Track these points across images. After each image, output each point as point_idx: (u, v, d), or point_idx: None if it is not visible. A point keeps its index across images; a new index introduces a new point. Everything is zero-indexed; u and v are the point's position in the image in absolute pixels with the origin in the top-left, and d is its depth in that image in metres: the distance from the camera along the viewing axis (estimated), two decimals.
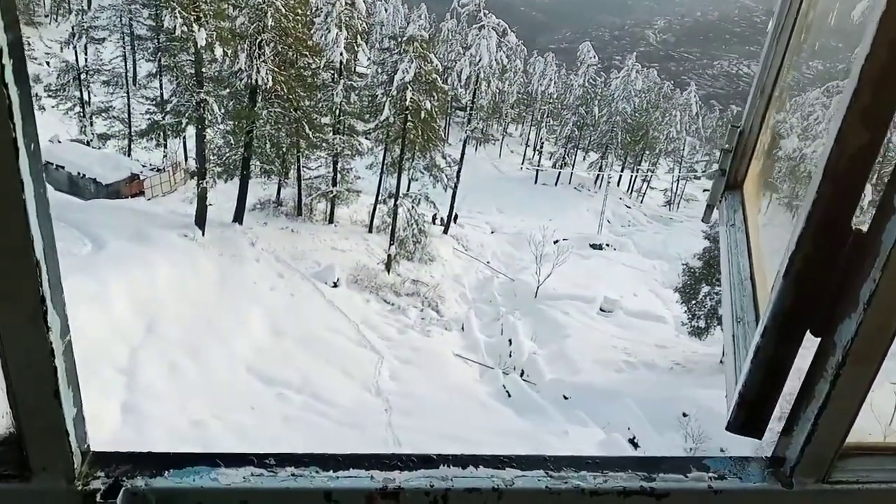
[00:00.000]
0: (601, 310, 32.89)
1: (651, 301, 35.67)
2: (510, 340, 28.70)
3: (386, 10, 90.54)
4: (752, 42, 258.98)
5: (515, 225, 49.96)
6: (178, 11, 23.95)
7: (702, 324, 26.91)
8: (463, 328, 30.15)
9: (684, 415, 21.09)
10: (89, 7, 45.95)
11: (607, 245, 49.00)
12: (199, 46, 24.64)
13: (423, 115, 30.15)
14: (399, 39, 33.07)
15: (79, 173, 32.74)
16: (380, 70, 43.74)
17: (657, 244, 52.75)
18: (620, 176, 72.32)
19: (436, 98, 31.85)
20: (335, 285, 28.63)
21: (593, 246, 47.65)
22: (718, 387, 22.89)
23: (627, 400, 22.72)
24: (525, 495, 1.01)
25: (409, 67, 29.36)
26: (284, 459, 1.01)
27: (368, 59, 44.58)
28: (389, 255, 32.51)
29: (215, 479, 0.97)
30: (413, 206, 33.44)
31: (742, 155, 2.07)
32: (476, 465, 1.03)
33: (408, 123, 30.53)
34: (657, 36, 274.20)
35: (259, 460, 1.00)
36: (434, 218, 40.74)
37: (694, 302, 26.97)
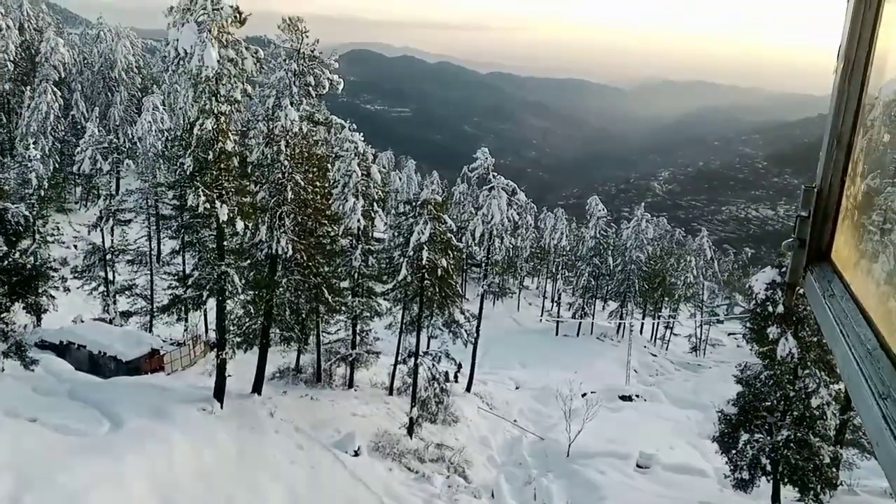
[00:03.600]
0: (638, 466, 31.12)
1: (689, 453, 33.78)
2: None
3: (400, 179, 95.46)
4: (757, 187, 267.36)
5: (540, 379, 48.78)
6: (202, 190, 24.96)
7: (745, 475, 25.12)
8: (493, 495, 28.39)
9: None
10: (117, 192, 48.59)
11: (637, 396, 47.44)
12: (220, 222, 25.37)
13: (439, 272, 30.42)
14: (414, 203, 34.19)
15: (100, 352, 32.96)
16: (396, 233, 45.13)
17: (688, 392, 51.07)
18: (642, 323, 71.72)
19: (451, 256, 32.26)
20: (356, 454, 27.50)
21: (622, 397, 46.14)
22: None
23: None
24: None
25: (425, 229, 30.07)
26: None
27: (385, 223, 46.15)
28: (411, 419, 31.49)
29: None
30: (434, 364, 32.87)
31: (823, 219, 1.76)
32: None
33: (425, 281, 30.79)
34: (663, 186, 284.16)
35: None
36: (455, 376, 39.93)
37: (734, 451, 25.36)
